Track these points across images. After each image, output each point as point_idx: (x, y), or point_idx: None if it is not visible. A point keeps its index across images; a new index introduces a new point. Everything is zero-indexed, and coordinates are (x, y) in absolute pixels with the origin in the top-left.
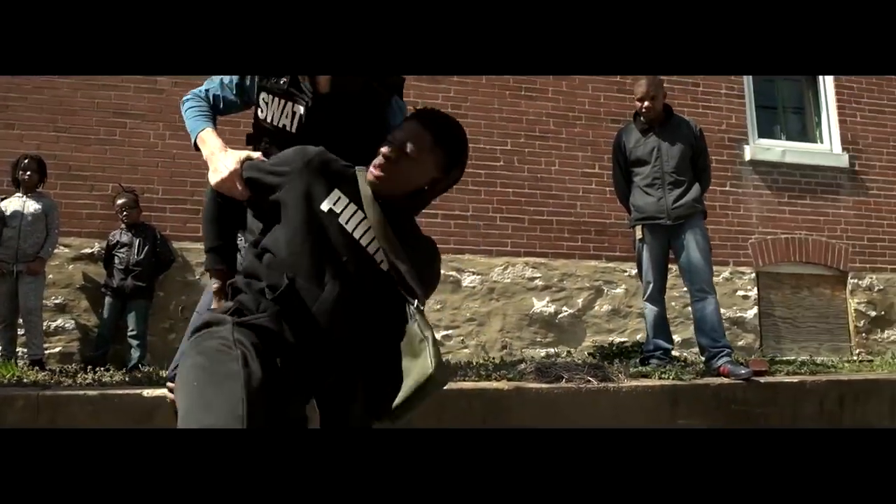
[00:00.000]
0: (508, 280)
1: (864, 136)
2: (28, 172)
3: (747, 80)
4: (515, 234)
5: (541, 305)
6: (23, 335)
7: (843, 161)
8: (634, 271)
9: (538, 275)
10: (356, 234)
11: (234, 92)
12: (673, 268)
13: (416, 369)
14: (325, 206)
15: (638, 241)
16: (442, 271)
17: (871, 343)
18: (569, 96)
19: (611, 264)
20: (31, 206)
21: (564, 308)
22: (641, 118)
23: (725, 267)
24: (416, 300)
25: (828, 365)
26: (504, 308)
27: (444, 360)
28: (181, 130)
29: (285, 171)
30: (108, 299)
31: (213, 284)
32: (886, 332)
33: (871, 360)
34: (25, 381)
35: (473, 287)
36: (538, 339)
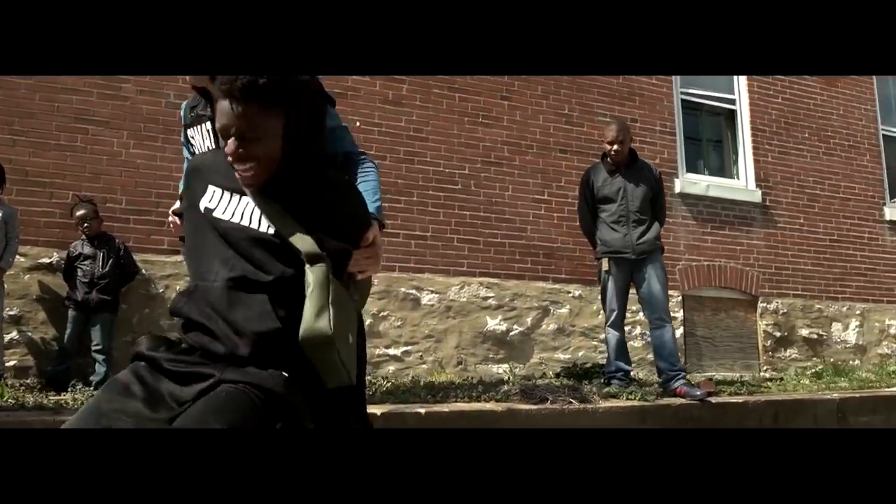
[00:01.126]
0: (464, 299)
1: (773, 175)
2: None
3: (678, 117)
4: (471, 255)
5: (493, 323)
6: None
7: (757, 196)
8: (577, 292)
9: (491, 294)
10: (234, 219)
11: (186, 149)
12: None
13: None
14: (201, 206)
15: (604, 273)
16: (402, 289)
17: (776, 360)
18: (521, 126)
19: (556, 286)
20: None
21: (515, 326)
22: (609, 160)
23: None
24: (304, 256)
25: (758, 384)
26: (460, 325)
27: (319, 312)
28: (146, 140)
29: (183, 195)
30: (71, 312)
31: None
32: (788, 350)
33: (780, 378)
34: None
35: (432, 305)
36: (491, 356)
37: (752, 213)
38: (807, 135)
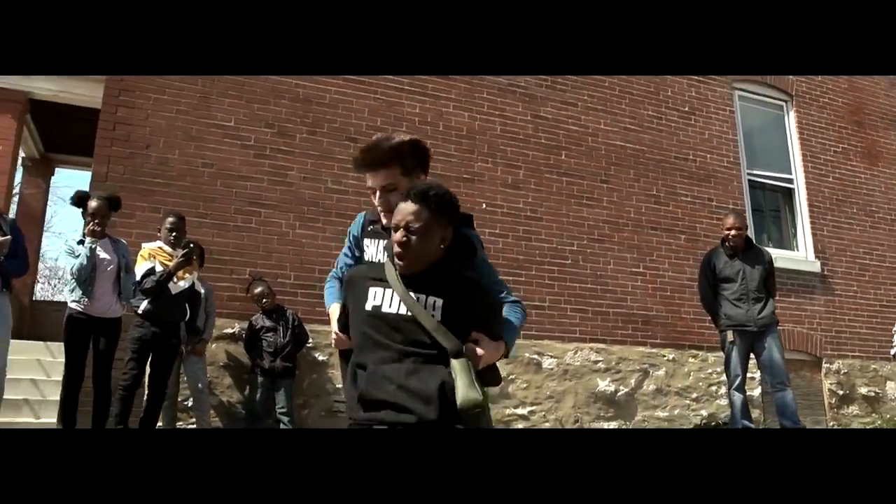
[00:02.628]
0: (578, 363)
1: (829, 247)
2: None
3: (746, 195)
4: (582, 323)
5: (603, 385)
6: (184, 413)
7: (817, 267)
8: (672, 356)
9: (600, 358)
10: (401, 311)
11: (351, 255)
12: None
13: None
14: (368, 306)
15: (729, 343)
16: (526, 355)
17: (840, 416)
18: (619, 206)
19: (654, 350)
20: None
21: (621, 387)
22: (728, 244)
23: None
24: (451, 347)
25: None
26: (575, 387)
27: (470, 385)
28: (309, 221)
29: (344, 305)
30: (259, 379)
31: None
32: (850, 407)
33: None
34: None
35: (551, 369)
36: (602, 414)
37: (813, 281)
38: (855, 210)
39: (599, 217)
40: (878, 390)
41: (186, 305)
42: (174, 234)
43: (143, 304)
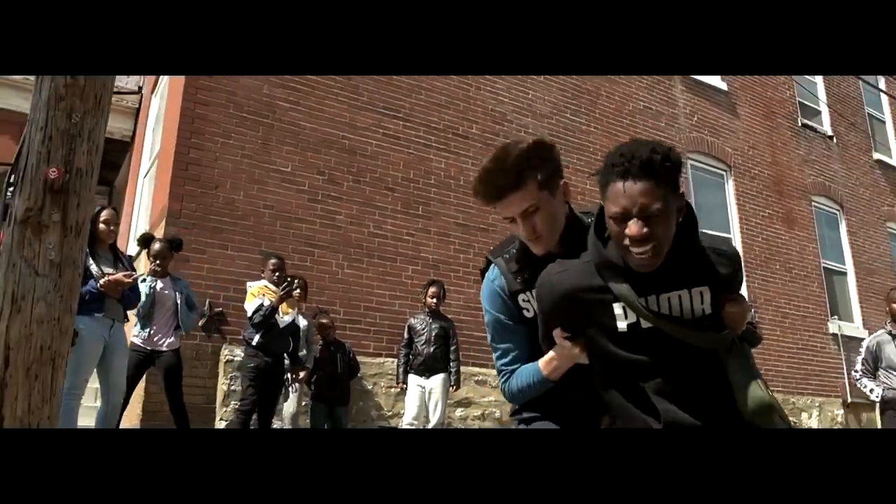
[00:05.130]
0: None
1: (759, 297)
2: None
3: None
4: None
5: None
6: None
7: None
8: None
9: None
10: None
11: (514, 326)
12: None
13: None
14: (620, 326)
15: None
16: None
17: None
18: None
19: None
20: (300, 322)
21: None
22: None
23: None
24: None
25: None
26: None
27: (754, 386)
28: (355, 261)
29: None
30: (320, 405)
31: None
32: None
33: None
34: None
35: None
36: None
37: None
38: (778, 266)
39: None
40: (795, 420)
41: (290, 338)
42: (277, 273)
43: (256, 338)
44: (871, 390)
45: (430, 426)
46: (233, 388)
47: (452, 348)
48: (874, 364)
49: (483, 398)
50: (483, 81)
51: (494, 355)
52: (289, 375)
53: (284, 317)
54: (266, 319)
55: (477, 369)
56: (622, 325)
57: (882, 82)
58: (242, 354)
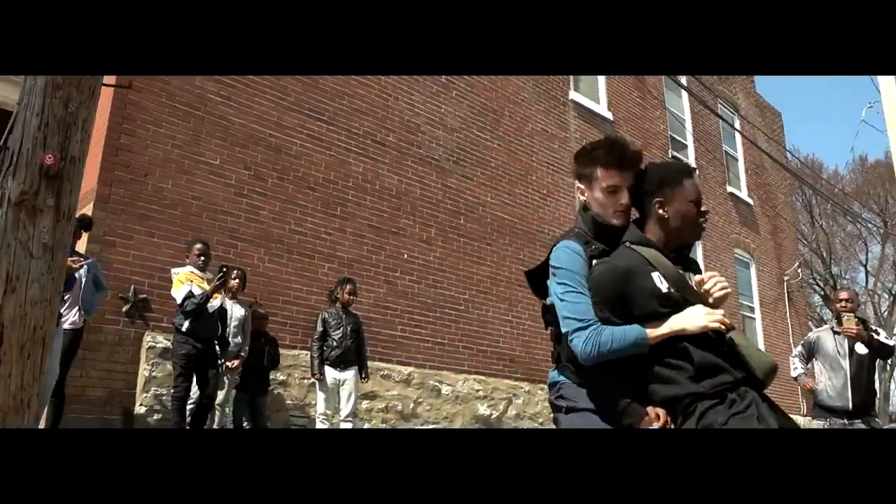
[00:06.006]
0: (465, 390)
1: None
2: (237, 280)
3: None
4: (469, 358)
5: (482, 409)
6: None
7: None
8: (528, 388)
9: (480, 387)
10: (669, 287)
11: (588, 287)
12: None
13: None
14: (662, 288)
15: None
16: (430, 382)
17: None
18: (497, 265)
19: (516, 382)
20: (237, 311)
21: (493, 412)
22: None
23: None
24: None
25: None
26: (463, 410)
27: (760, 352)
28: (276, 256)
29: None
30: (238, 394)
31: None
32: None
33: None
34: None
35: (447, 394)
36: None
37: None
38: None
39: (484, 273)
40: None
41: (219, 323)
42: (202, 258)
43: (185, 324)
44: (795, 368)
45: (341, 417)
46: (154, 374)
47: (361, 343)
48: (808, 355)
49: (388, 392)
50: (401, 91)
51: (566, 308)
52: (226, 365)
53: (213, 301)
54: (199, 307)
55: (383, 364)
56: (664, 287)
57: (737, 122)
58: (165, 341)
